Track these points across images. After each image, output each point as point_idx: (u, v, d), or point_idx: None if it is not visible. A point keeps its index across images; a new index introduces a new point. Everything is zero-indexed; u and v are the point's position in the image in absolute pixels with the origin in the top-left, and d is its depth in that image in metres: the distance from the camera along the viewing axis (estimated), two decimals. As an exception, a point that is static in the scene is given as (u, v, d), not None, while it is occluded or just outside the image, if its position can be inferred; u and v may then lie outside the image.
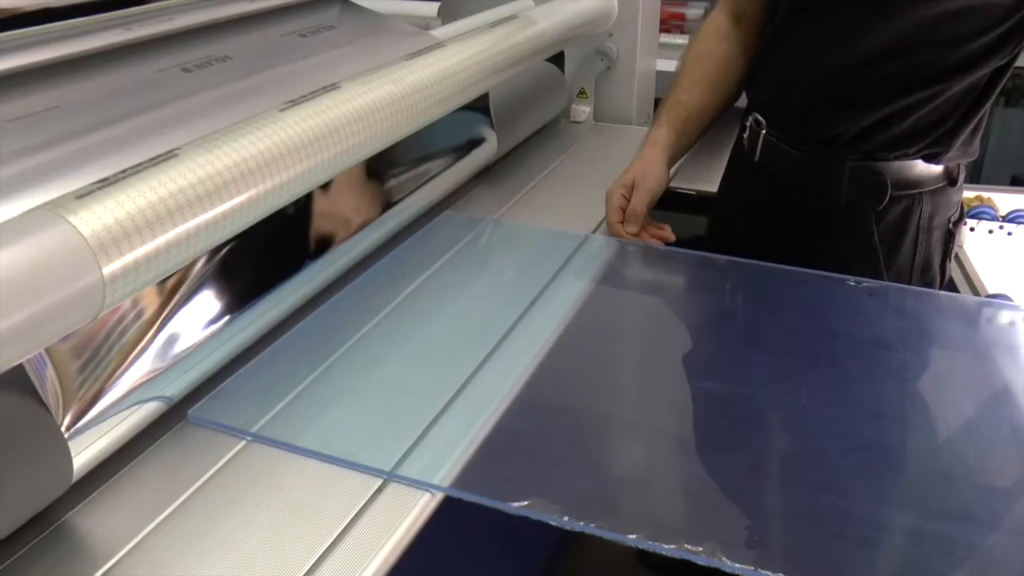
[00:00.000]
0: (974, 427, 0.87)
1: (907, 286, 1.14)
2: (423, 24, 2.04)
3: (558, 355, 0.92)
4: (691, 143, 1.27)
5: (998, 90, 1.07)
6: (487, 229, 1.20)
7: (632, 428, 0.86)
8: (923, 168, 1.10)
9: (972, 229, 1.47)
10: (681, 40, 2.23)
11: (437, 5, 1.82)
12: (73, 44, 0.87)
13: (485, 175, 1.38)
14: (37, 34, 0.85)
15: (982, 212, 1.50)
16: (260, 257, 0.89)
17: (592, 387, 0.93)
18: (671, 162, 1.25)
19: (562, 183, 1.40)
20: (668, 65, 1.96)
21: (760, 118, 1.18)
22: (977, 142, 1.12)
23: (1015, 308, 1.15)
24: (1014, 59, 1.05)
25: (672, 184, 1.48)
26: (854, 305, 1.06)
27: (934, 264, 1.17)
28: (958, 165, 1.12)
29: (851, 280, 1.08)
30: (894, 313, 1.08)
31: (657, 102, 1.81)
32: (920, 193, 1.11)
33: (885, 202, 1.09)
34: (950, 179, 1.12)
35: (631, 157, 1.48)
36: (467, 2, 1.72)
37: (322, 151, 0.77)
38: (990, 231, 1.47)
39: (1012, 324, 1.09)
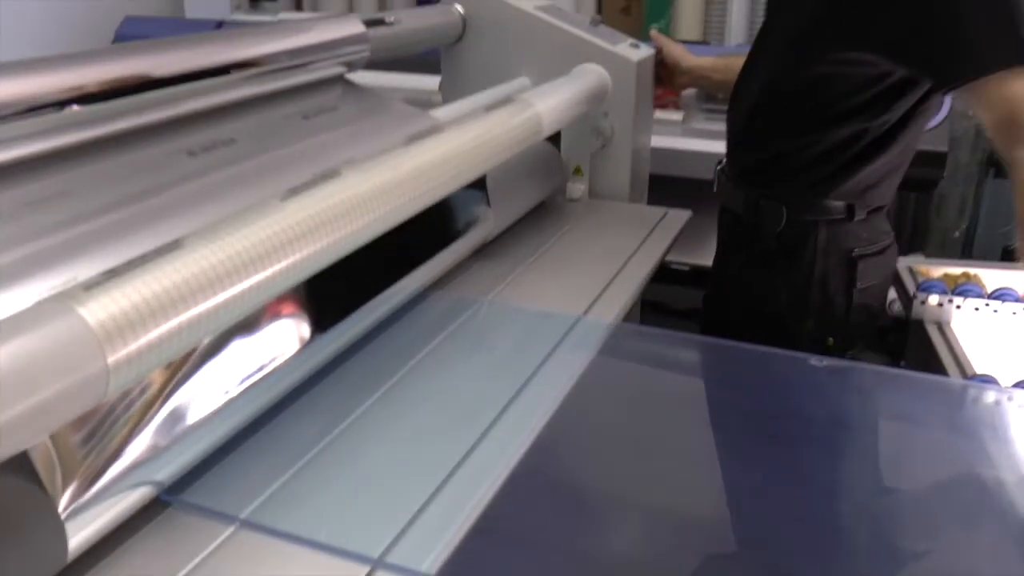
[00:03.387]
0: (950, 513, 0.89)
1: (875, 367, 1.20)
2: (425, 98, 2.11)
3: (549, 438, 0.94)
4: (724, 77, 1.63)
5: (883, 158, 1.33)
6: (481, 310, 1.22)
7: (615, 510, 0.87)
8: (815, 201, 1.36)
9: (958, 307, 1.50)
10: (676, 116, 2.28)
11: (438, 79, 1.87)
12: (83, 131, 0.90)
13: (480, 253, 1.41)
14: (49, 121, 0.88)
15: (967, 290, 1.52)
16: (257, 339, 0.91)
17: (583, 470, 0.95)
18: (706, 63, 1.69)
19: (557, 262, 1.42)
20: (662, 141, 2.00)
21: (724, 160, 1.52)
22: (884, 189, 1.38)
23: (999, 390, 1.18)
24: (891, 131, 1.30)
25: (668, 259, 1.52)
26: (831, 384, 1.08)
27: (832, 285, 1.40)
28: (852, 205, 1.36)
29: (813, 359, 1.11)
30: (863, 393, 1.11)
31: (652, 178, 1.85)
32: (816, 221, 1.37)
33: (782, 225, 1.38)
34: (849, 214, 1.37)
35: (626, 234, 1.52)
36: (466, 79, 1.77)
37: (323, 239, 0.80)
38: (976, 308, 1.49)
39: (997, 404, 1.12)
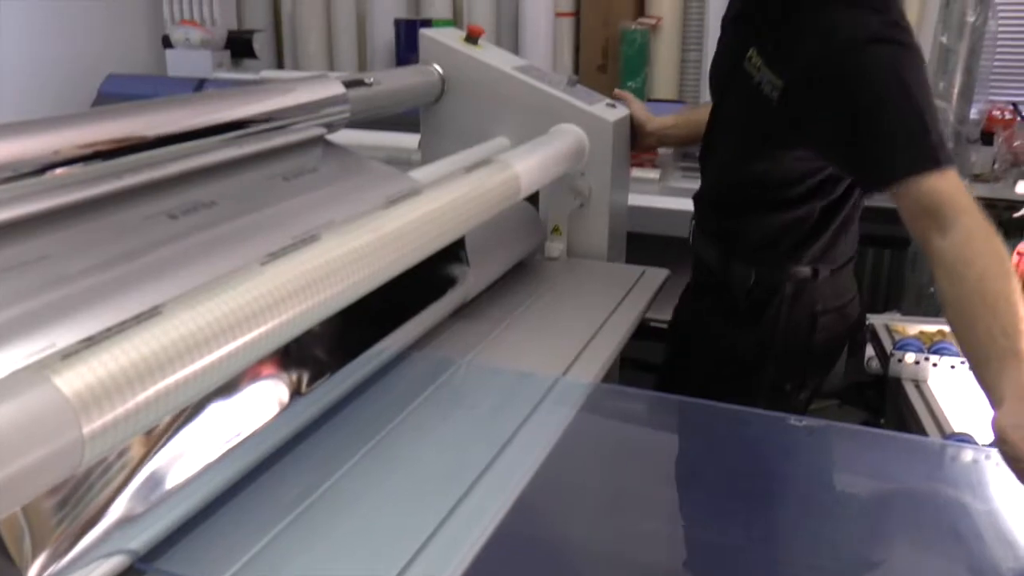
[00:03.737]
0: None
1: (853, 426, 1.23)
2: (404, 156, 2.12)
3: (529, 498, 0.94)
4: (691, 130, 1.73)
5: (835, 222, 1.43)
6: (460, 370, 1.22)
7: (595, 569, 0.87)
8: (782, 267, 1.45)
9: (935, 365, 1.51)
10: (653, 174, 2.30)
11: (418, 137, 1.89)
12: (63, 194, 0.90)
13: (460, 312, 1.41)
14: (28, 185, 0.88)
15: (944, 348, 1.53)
16: (235, 403, 0.90)
17: (563, 529, 0.94)
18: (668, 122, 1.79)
19: (536, 321, 1.43)
20: (640, 200, 2.02)
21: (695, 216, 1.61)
22: (845, 246, 1.48)
23: (977, 448, 1.18)
24: (839, 200, 1.41)
25: (647, 315, 1.53)
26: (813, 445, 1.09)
27: (793, 337, 1.48)
28: (817, 268, 1.45)
29: (792, 419, 1.12)
30: (842, 453, 1.12)
31: (630, 236, 1.87)
32: (783, 282, 1.46)
33: (751, 285, 1.47)
34: (814, 275, 1.46)
35: (605, 293, 1.53)
36: (445, 138, 1.79)
37: (302, 303, 0.80)
38: (952, 366, 1.51)
39: (975, 463, 1.12)
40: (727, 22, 1.53)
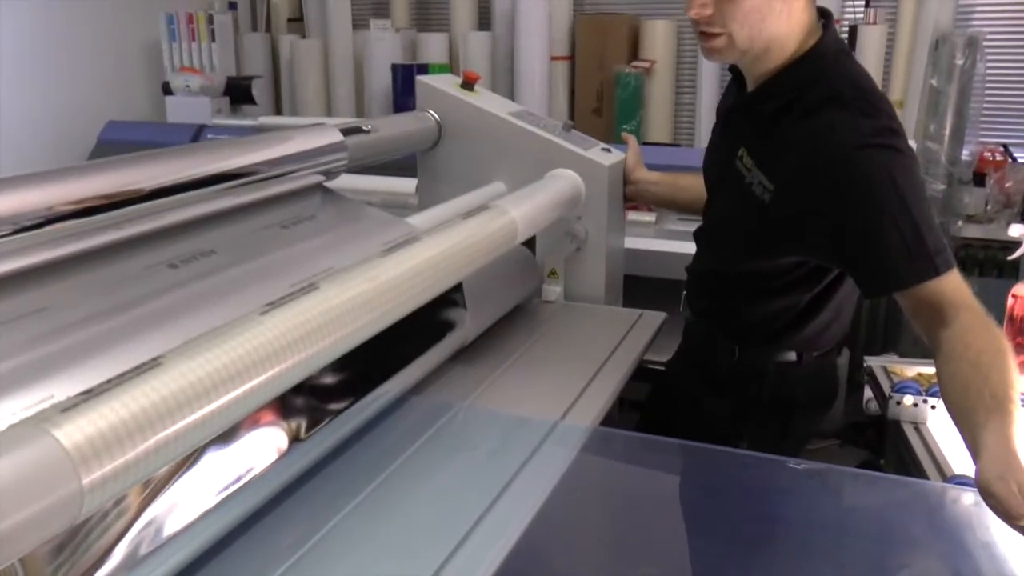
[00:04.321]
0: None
1: (854, 469, 1.21)
2: (402, 201, 2.14)
3: (528, 543, 0.93)
4: (670, 192, 1.77)
5: (823, 313, 1.39)
6: (459, 415, 1.22)
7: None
8: (766, 350, 1.42)
9: (933, 407, 1.51)
10: (648, 217, 2.32)
11: (415, 182, 1.90)
12: (64, 246, 0.91)
13: (458, 357, 1.41)
14: (28, 237, 0.89)
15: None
16: (232, 451, 0.91)
17: (561, 574, 0.94)
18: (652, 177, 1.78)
19: (534, 365, 1.43)
20: (636, 243, 2.03)
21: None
22: (833, 333, 1.43)
23: (977, 491, 1.18)
24: (828, 288, 1.36)
25: (645, 357, 1.53)
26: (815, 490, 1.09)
27: (769, 424, 1.45)
28: (802, 353, 1.41)
29: (791, 462, 1.12)
30: (843, 496, 1.11)
31: (627, 279, 1.87)
32: (766, 364, 1.42)
33: (734, 362, 1.43)
34: (799, 359, 1.42)
35: (602, 336, 1.53)
36: (442, 183, 1.80)
37: (301, 352, 0.80)
38: (950, 409, 1.51)
39: (976, 505, 1.11)
40: (722, 111, 1.46)
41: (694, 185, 1.60)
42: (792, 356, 1.42)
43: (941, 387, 1.10)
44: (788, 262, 1.33)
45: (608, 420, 1.31)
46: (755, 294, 1.40)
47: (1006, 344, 1.08)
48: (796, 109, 1.24)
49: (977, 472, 0.96)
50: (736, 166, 1.34)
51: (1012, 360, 1.06)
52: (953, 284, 1.14)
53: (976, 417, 1.00)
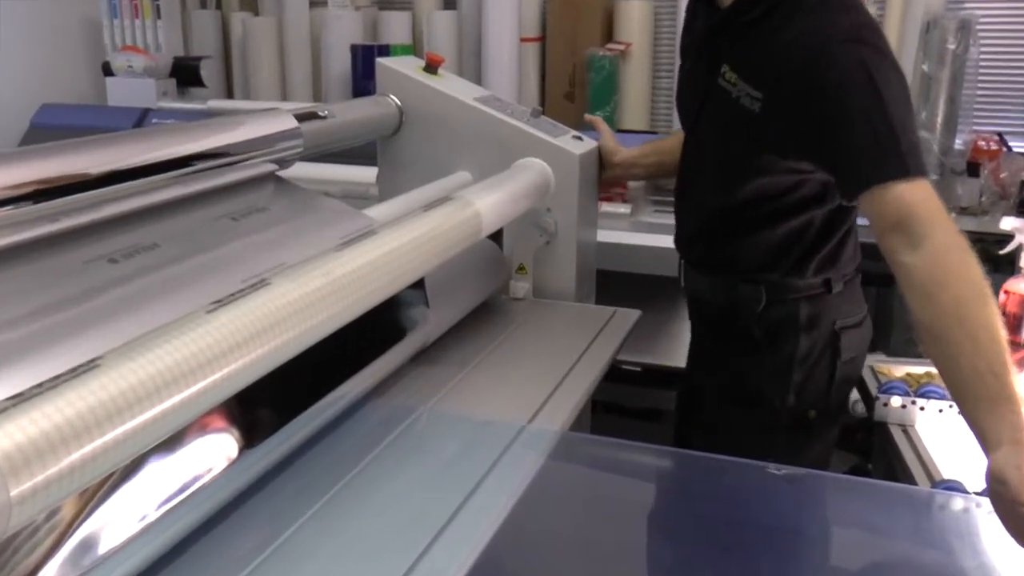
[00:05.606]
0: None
1: (831, 473, 1.23)
2: (361, 191, 2.13)
3: (494, 554, 0.94)
4: (657, 160, 1.79)
5: (841, 227, 1.45)
6: (420, 419, 1.23)
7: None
8: (792, 282, 1.45)
9: (922, 408, 1.53)
10: (624, 209, 2.33)
11: (375, 171, 1.90)
12: (-4, 238, 0.90)
13: (419, 357, 1.41)
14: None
15: (931, 391, 1.56)
16: (179, 458, 0.90)
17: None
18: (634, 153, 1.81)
19: (500, 366, 1.44)
20: (610, 236, 2.04)
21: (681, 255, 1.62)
22: (851, 251, 1.49)
23: (967, 497, 1.20)
24: (840, 208, 1.42)
25: (619, 358, 1.54)
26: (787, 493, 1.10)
27: (816, 361, 1.47)
28: (829, 279, 1.45)
29: (771, 467, 1.13)
30: (825, 502, 1.13)
31: (600, 275, 1.88)
32: (797, 299, 1.45)
33: (762, 306, 1.46)
34: (827, 287, 1.46)
35: (573, 335, 1.54)
36: (404, 171, 1.80)
37: (251, 353, 0.80)
38: (940, 410, 1.53)
39: (965, 512, 1.14)
40: (687, 47, 1.59)
41: (676, 145, 1.64)
42: (818, 284, 1.46)
43: (921, 334, 1.12)
44: (791, 179, 1.39)
45: (579, 424, 1.32)
46: (765, 220, 1.44)
47: (981, 275, 1.10)
48: (777, 14, 1.32)
49: (989, 463, 0.99)
50: (720, 86, 1.40)
51: (991, 302, 1.08)
52: (923, 195, 1.16)
53: (979, 403, 1.03)
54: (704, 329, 1.64)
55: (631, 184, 2.30)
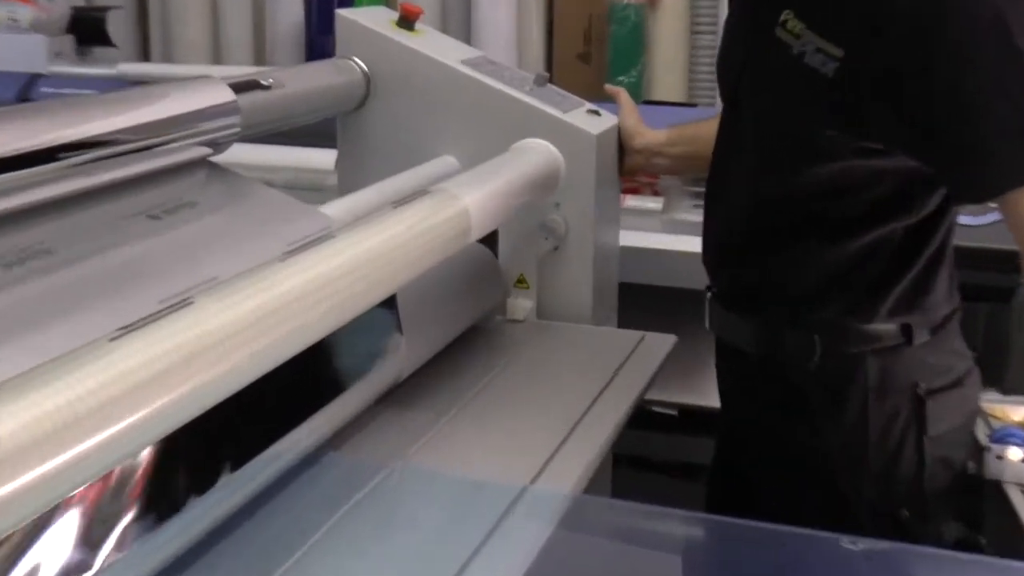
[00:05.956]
0: None
1: (929, 548, 1.20)
2: (316, 180, 2.13)
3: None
4: (691, 150, 1.77)
5: (929, 249, 1.36)
6: (391, 478, 1.22)
7: None
8: (856, 325, 1.38)
9: (999, 457, 1.51)
10: (654, 204, 2.32)
11: (334, 155, 1.90)
12: None
13: (390, 397, 1.41)
14: None
15: (1010, 435, 1.55)
16: (83, 527, 0.90)
17: None
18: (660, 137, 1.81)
19: (494, 409, 1.44)
20: (636, 239, 2.04)
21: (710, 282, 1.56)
22: (945, 290, 1.41)
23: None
24: (935, 214, 1.35)
25: (649, 397, 1.53)
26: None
27: (895, 436, 1.39)
28: (908, 324, 1.37)
29: (845, 540, 1.12)
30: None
31: (624, 289, 1.88)
32: (863, 353, 1.37)
33: (816, 360, 1.38)
34: (906, 336, 1.37)
35: (589, 368, 1.53)
36: (371, 157, 1.80)
37: (167, 394, 0.80)
38: (1024, 460, 1.51)
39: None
40: None
41: (714, 132, 1.57)
42: (894, 331, 1.38)
43: None
44: (865, 170, 1.32)
45: (597, 484, 1.31)
46: (822, 230, 1.37)
47: None
48: None
49: None
50: (777, 38, 1.33)
51: None
52: None
53: None
54: (738, 390, 1.59)
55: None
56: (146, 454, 0.95)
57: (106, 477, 0.90)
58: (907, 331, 1.38)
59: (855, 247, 1.36)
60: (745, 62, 1.43)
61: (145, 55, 3.55)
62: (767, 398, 1.49)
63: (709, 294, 1.56)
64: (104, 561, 0.91)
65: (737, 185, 1.48)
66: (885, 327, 1.38)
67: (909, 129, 1.24)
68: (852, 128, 1.29)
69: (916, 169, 1.29)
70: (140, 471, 0.96)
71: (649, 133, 1.80)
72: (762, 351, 1.47)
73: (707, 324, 1.56)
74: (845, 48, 1.24)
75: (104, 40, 3.15)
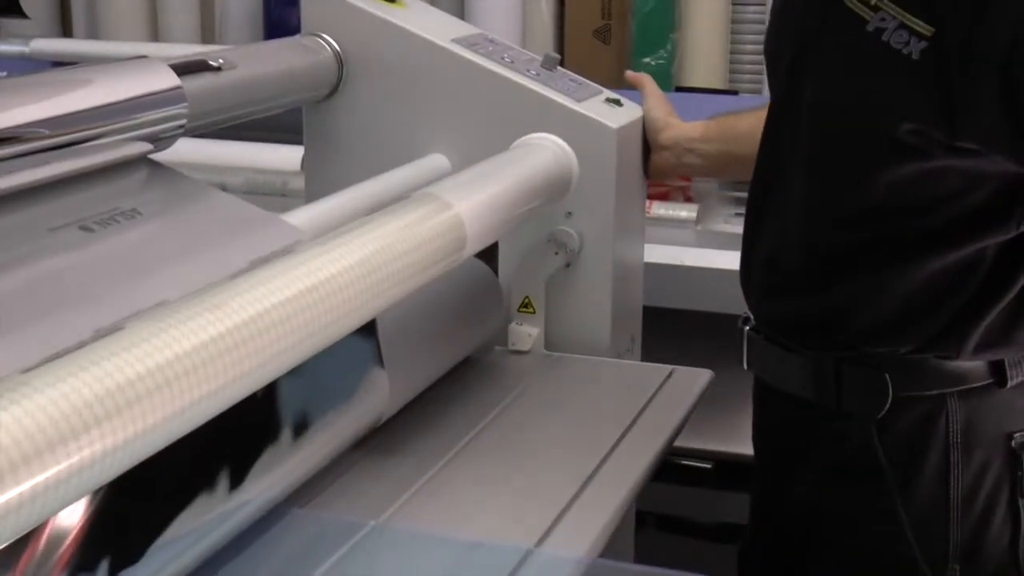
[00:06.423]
0: None
1: None
2: (278, 183, 2.14)
3: None
4: (726, 148, 1.78)
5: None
6: (370, 539, 1.22)
7: None
8: (937, 363, 1.34)
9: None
10: (686, 212, 2.32)
11: (300, 154, 1.90)
12: None
13: (369, 442, 1.42)
14: None
15: None
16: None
17: None
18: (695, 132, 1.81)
19: (494, 456, 1.44)
20: (665, 254, 2.04)
21: (749, 313, 1.53)
22: None
23: None
24: None
25: (678, 445, 1.52)
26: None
27: (984, 503, 1.35)
28: (1000, 362, 1.34)
29: None
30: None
31: (650, 314, 1.88)
32: (944, 395, 1.34)
33: (886, 405, 1.34)
34: (997, 376, 1.35)
35: (607, 408, 1.53)
36: (344, 155, 1.80)
37: (98, 440, 0.80)
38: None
39: None
40: None
41: (757, 128, 1.51)
42: (983, 370, 1.35)
43: None
44: (951, 181, 1.28)
45: (616, 546, 1.31)
46: (904, 247, 1.33)
47: None
48: None
49: None
50: (847, 12, 1.27)
51: None
52: None
53: None
54: (784, 447, 1.53)
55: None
56: (69, 517, 0.95)
57: (31, 540, 0.91)
58: (998, 370, 1.35)
59: (937, 269, 1.32)
60: (803, 40, 1.38)
61: (66, 30, 3.55)
62: (820, 453, 1.44)
63: (747, 328, 1.52)
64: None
65: (789, 192, 1.42)
66: (971, 365, 1.35)
67: (1016, 126, 1.20)
68: (941, 124, 1.23)
69: (1021, 175, 1.25)
70: (72, 531, 0.97)
71: (680, 126, 1.80)
72: (817, 396, 1.41)
73: (744, 363, 1.53)
74: (937, 25, 1.19)
75: (14, 10, 3.14)
